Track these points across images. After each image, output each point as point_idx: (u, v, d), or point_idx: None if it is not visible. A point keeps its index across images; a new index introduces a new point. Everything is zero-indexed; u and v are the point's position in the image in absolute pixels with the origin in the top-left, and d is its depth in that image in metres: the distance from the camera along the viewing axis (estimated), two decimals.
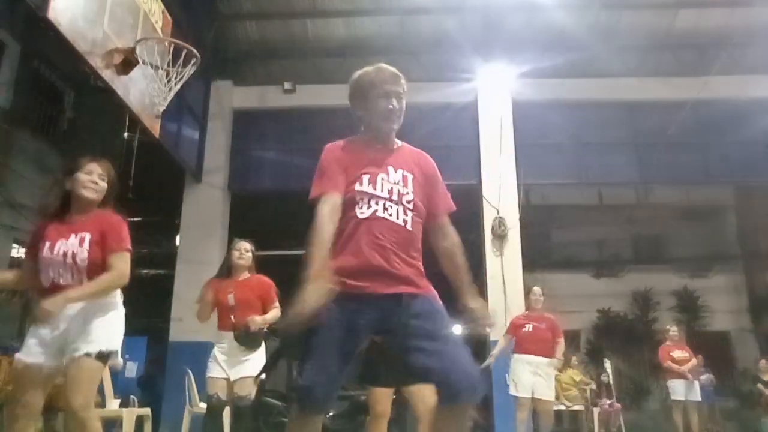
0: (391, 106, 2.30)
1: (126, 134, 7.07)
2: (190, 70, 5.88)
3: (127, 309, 2.93)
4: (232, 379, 4.18)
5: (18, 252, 7.89)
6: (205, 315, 4.31)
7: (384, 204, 2.19)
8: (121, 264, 2.74)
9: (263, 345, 4.31)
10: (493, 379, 7.55)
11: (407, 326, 2.11)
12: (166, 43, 5.97)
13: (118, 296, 2.85)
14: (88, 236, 2.72)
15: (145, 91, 6.10)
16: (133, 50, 5.60)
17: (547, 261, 12.58)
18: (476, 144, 9.05)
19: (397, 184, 2.24)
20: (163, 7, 6.47)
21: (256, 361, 4.22)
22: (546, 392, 5.92)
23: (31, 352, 2.66)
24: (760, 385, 9.63)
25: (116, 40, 5.45)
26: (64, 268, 2.69)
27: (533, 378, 5.90)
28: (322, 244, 2.06)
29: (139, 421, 4.99)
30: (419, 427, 3.78)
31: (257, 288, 4.32)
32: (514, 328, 6.22)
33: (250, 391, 4.15)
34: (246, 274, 4.37)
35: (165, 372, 7.68)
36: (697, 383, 7.91)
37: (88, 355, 2.60)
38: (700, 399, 7.95)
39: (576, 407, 9.52)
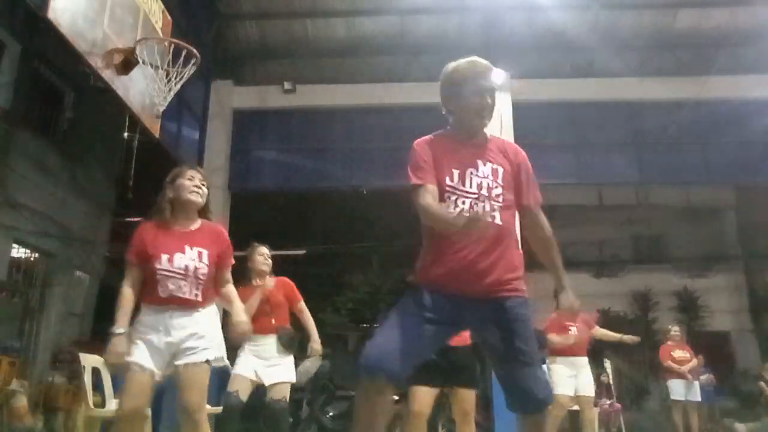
0: (485, 103, 2.29)
1: (126, 134, 7.06)
2: (190, 70, 5.88)
3: None
4: (266, 383, 4.16)
5: (18, 252, 7.88)
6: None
7: (471, 202, 2.18)
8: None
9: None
10: (493, 380, 7.55)
11: (484, 332, 2.18)
12: (166, 43, 5.96)
13: (215, 308, 2.95)
14: (206, 252, 2.83)
15: (145, 91, 6.10)
16: (133, 50, 5.59)
17: None
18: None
19: (487, 178, 2.23)
20: (163, 7, 6.46)
21: (289, 366, 4.24)
22: (589, 389, 6.00)
23: (144, 358, 2.71)
24: (762, 383, 9.61)
25: (116, 40, 5.45)
26: (185, 282, 2.77)
27: (574, 379, 5.89)
28: (444, 212, 2.09)
29: None
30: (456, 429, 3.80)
31: (282, 288, 4.37)
32: (556, 328, 6.13)
33: (285, 395, 4.14)
34: (268, 277, 4.40)
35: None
36: (697, 383, 7.89)
37: (206, 362, 2.73)
38: (700, 399, 7.93)
39: (576, 407, 9.51)
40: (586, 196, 13.13)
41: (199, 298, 2.81)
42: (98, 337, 8.71)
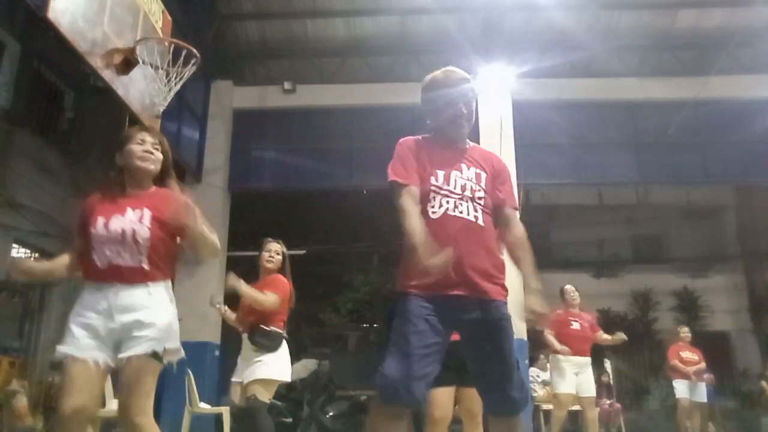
0: (459, 111, 2.35)
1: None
2: (190, 70, 5.87)
3: None
4: (244, 382, 4.06)
5: (18, 252, 7.88)
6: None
7: (455, 202, 2.22)
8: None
9: (283, 347, 4.14)
10: None
11: (469, 330, 2.19)
12: (166, 43, 5.96)
13: (170, 289, 2.52)
14: (149, 214, 2.42)
15: (145, 91, 6.09)
16: (133, 50, 5.59)
17: (547, 261, 12.58)
18: (476, 144, 9.05)
19: (471, 180, 2.28)
20: (163, 7, 6.45)
21: (269, 364, 4.05)
22: (591, 389, 6.06)
23: (81, 346, 2.29)
24: (763, 383, 9.62)
25: (116, 40, 5.44)
26: (123, 248, 2.37)
27: (577, 377, 5.92)
28: (418, 228, 2.07)
29: None
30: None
31: (266, 286, 4.17)
32: (559, 324, 6.02)
33: (254, 394, 3.97)
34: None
35: (165, 372, 7.68)
36: (702, 384, 7.92)
37: (152, 354, 2.35)
38: (705, 400, 7.98)
39: (576, 407, 9.52)
40: (586, 196, 13.14)
41: (146, 267, 2.38)
42: None
